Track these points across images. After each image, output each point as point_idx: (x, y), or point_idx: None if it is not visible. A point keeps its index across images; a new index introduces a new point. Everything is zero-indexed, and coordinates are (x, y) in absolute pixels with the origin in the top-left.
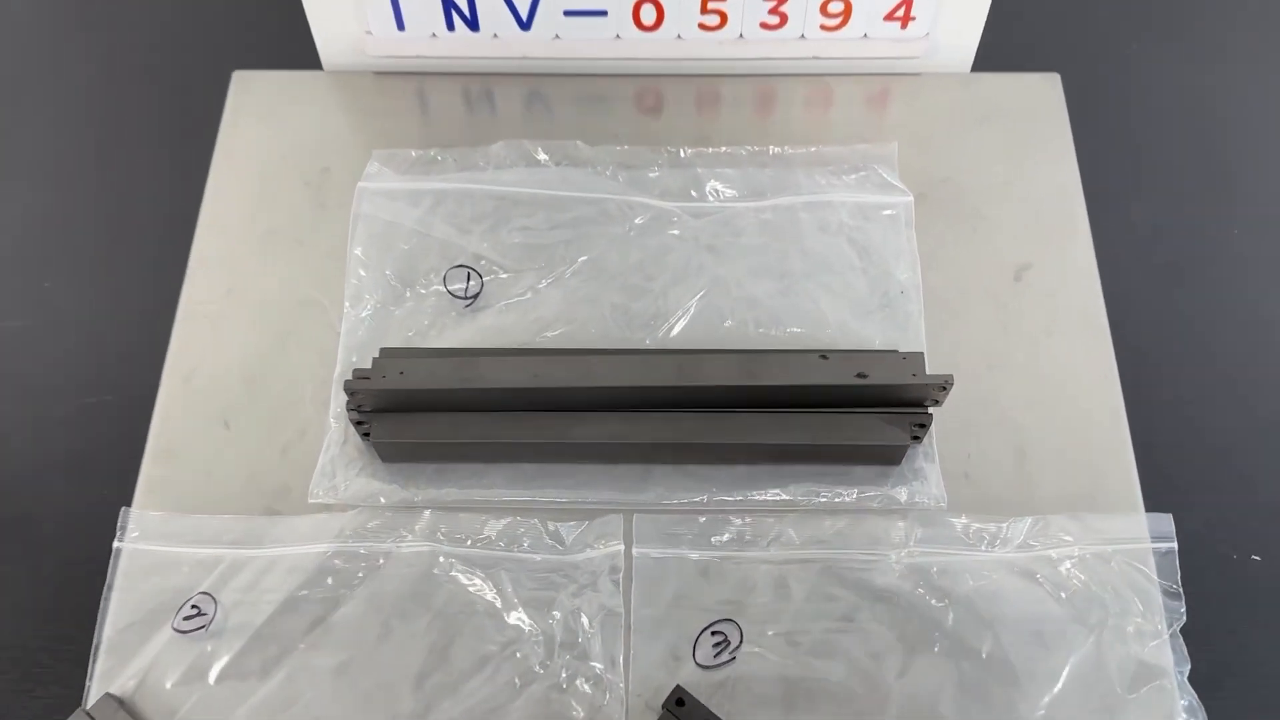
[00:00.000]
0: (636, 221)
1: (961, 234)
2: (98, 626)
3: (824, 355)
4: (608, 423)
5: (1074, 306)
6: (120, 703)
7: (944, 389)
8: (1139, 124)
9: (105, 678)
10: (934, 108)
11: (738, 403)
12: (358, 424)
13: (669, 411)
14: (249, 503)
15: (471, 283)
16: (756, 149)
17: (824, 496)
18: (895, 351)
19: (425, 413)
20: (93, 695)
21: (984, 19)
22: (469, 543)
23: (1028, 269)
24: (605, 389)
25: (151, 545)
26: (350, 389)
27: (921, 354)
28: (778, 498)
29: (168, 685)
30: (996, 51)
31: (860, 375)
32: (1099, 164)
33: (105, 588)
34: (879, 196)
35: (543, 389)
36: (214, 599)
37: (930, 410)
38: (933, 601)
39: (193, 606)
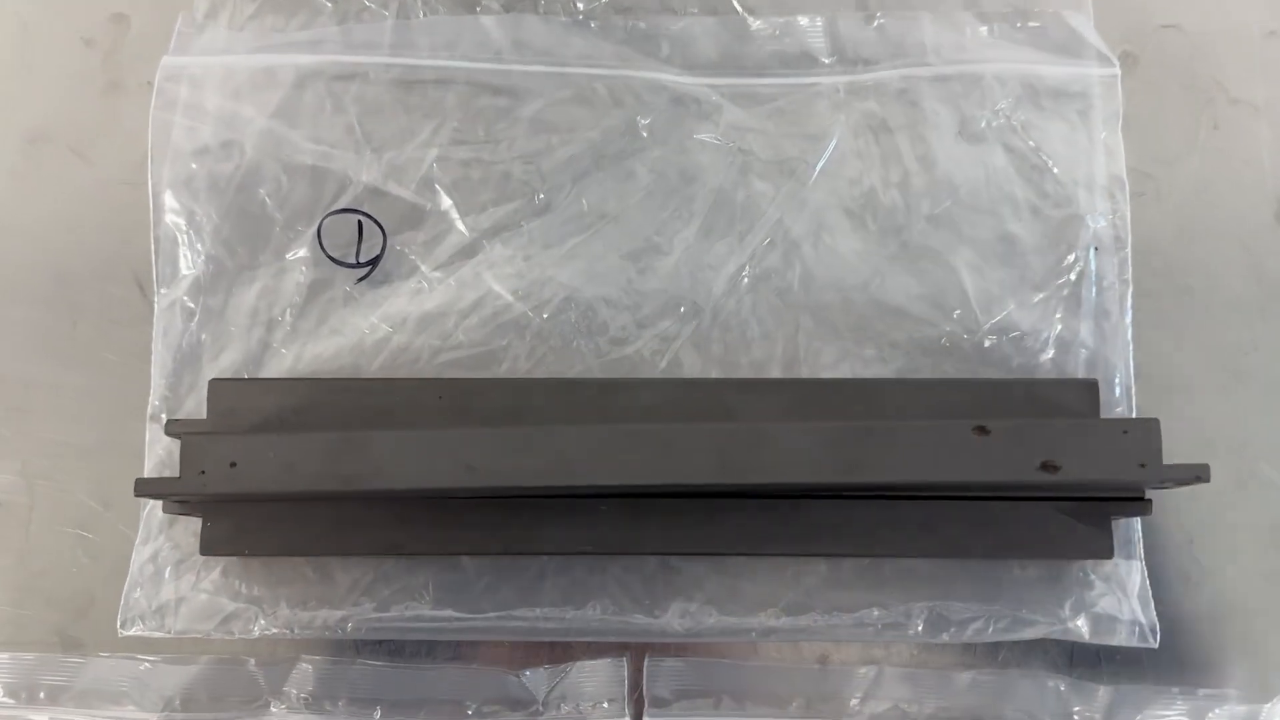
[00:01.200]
0: (641, 119)
1: (1195, 132)
2: None
3: (982, 429)
4: (599, 520)
5: None
6: None
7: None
8: None
9: None
10: None
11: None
12: (183, 513)
13: (701, 498)
14: (31, 623)
15: (366, 239)
16: None
17: (954, 627)
18: (1113, 420)
19: (289, 505)
20: None
21: None
22: (377, 712)
23: None
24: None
25: None
26: (155, 492)
27: (1156, 424)
28: (871, 620)
29: None
30: None
31: (1046, 466)
32: None
33: None
34: (1059, 67)
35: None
36: None
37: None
38: None
39: None
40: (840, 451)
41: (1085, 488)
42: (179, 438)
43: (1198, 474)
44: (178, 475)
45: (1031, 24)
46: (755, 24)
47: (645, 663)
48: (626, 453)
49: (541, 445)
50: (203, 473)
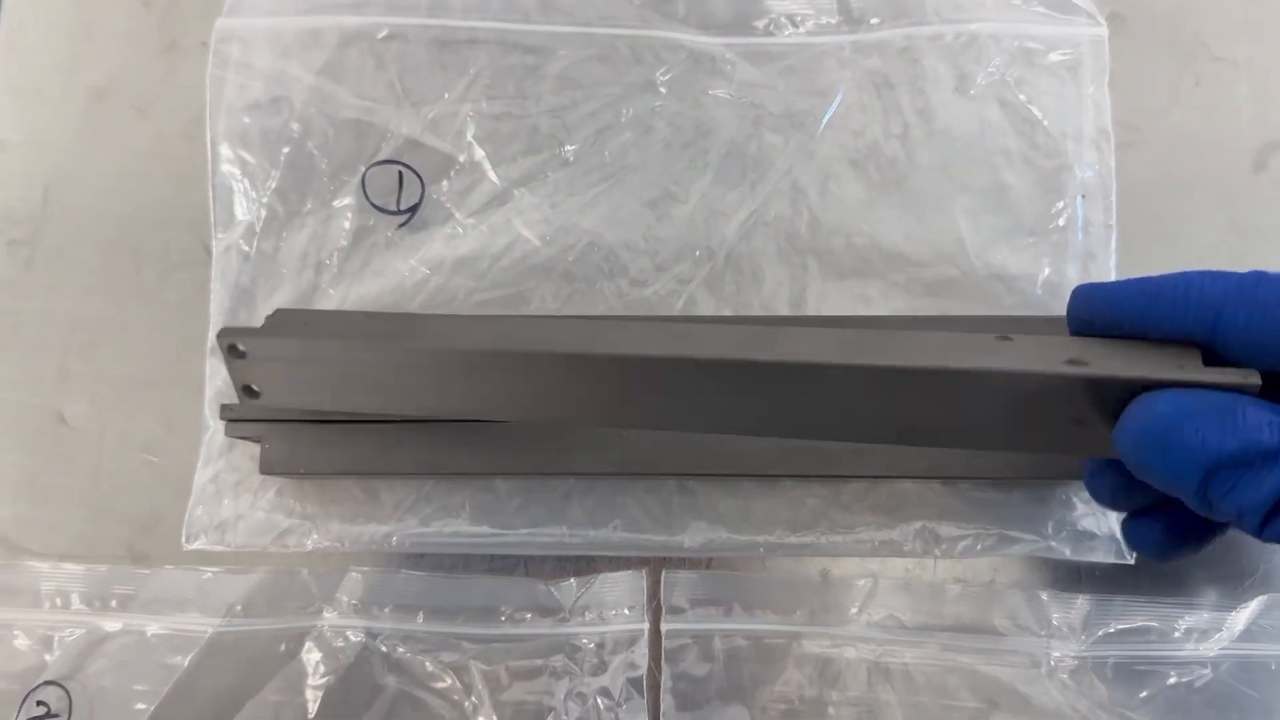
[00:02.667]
0: (660, 75)
1: (1178, 88)
2: None
3: (1005, 337)
4: (623, 443)
5: None
6: None
7: None
8: None
9: None
10: None
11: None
12: (243, 437)
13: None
14: (102, 539)
15: (406, 188)
16: None
17: (944, 543)
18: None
19: (342, 425)
20: None
21: None
22: (419, 615)
23: (1277, 150)
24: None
25: None
26: (231, 407)
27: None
28: (869, 538)
29: None
30: None
31: (1073, 361)
32: None
33: None
34: (1050, 26)
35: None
36: (67, 691)
37: None
38: None
39: (39, 704)
40: (858, 345)
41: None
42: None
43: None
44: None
45: None
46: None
47: (663, 575)
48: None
49: (573, 328)
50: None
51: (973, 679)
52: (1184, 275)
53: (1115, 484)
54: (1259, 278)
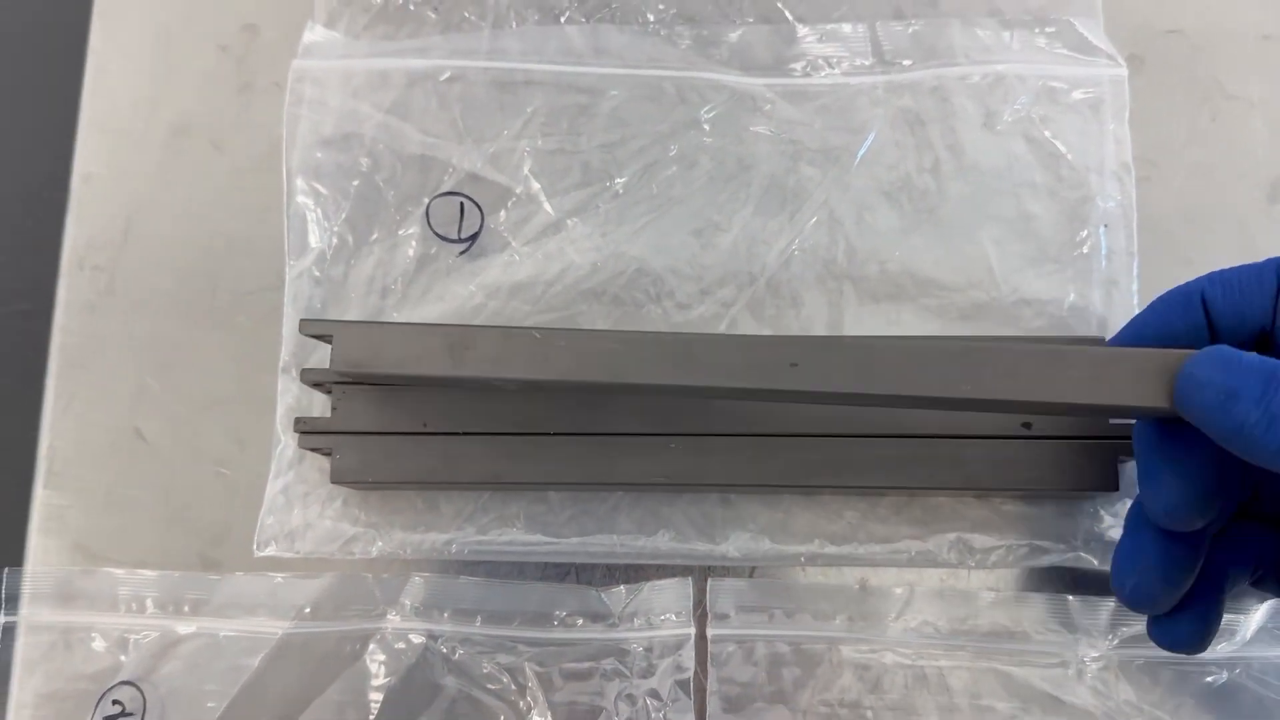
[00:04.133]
0: (704, 112)
1: (1195, 124)
2: None
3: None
4: (669, 455)
5: None
6: None
7: None
8: None
9: None
10: None
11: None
12: (313, 448)
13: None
14: (177, 549)
15: (466, 218)
16: None
17: (978, 554)
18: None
19: (408, 436)
20: None
21: None
22: (477, 619)
23: None
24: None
25: (52, 614)
26: (305, 421)
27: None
28: (905, 549)
29: None
30: None
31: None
32: None
33: None
34: (1073, 67)
35: (574, 385)
36: (141, 691)
37: None
38: None
39: (114, 703)
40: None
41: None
42: (320, 381)
43: None
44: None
45: (1048, 29)
46: (803, 31)
47: (708, 582)
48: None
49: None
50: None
51: (1006, 682)
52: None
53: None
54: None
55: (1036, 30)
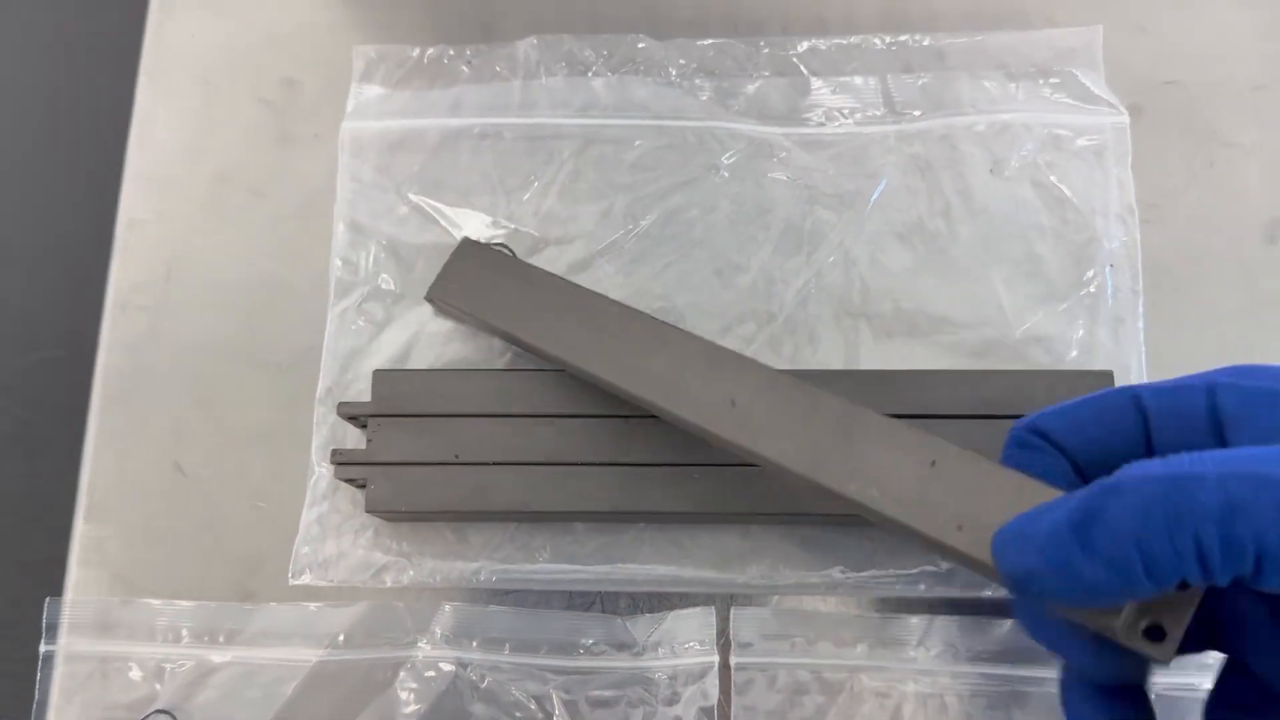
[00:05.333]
0: (725, 159)
1: (1193, 169)
2: None
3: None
4: (692, 486)
5: None
6: None
7: None
8: None
9: None
10: None
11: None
12: (348, 480)
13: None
14: (214, 580)
15: None
16: (897, 40)
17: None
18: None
19: (441, 466)
20: None
21: None
22: (505, 647)
23: None
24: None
25: (91, 644)
26: (341, 452)
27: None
28: (923, 578)
29: None
30: None
31: None
32: None
33: (34, 705)
34: (1076, 116)
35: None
36: (174, 719)
37: None
38: None
39: None
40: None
41: None
42: (355, 415)
43: None
44: (346, 448)
45: (1052, 80)
46: (817, 84)
47: (731, 611)
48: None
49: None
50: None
51: (1026, 706)
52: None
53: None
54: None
55: (1041, 81)
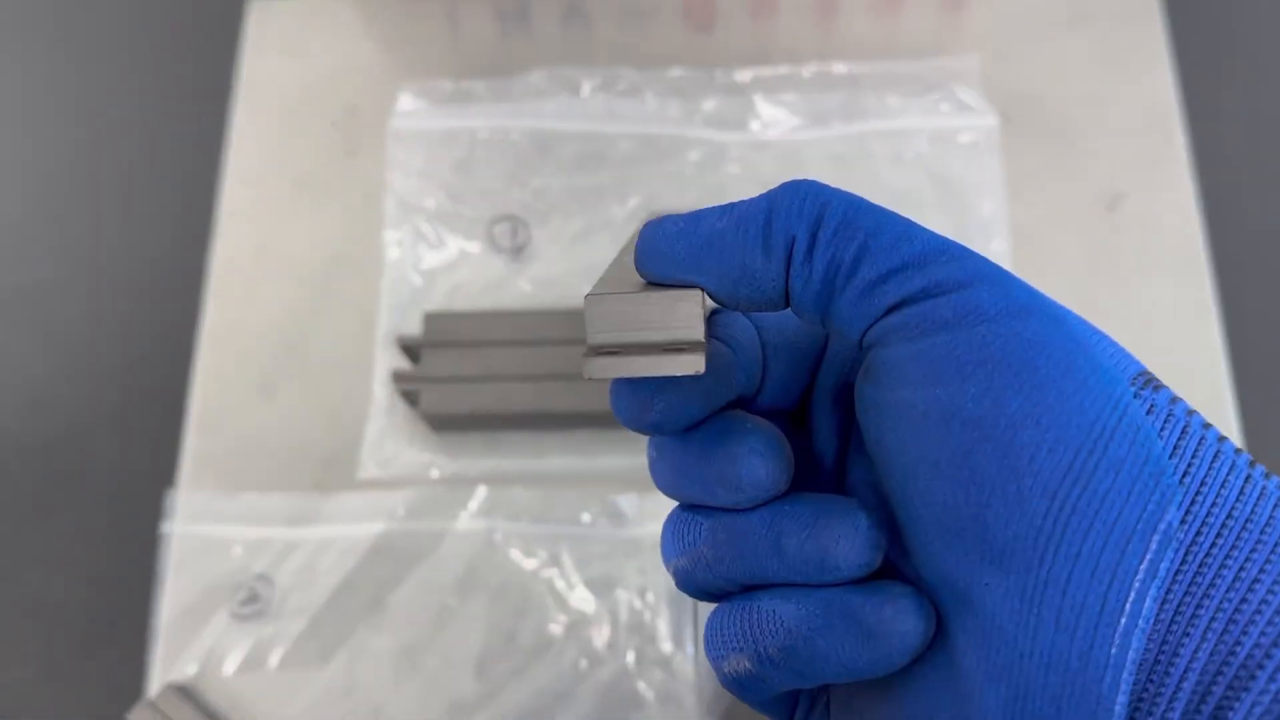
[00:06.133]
0: (691, 158)
1: (1049, 160)
2: (153, 612)
3: None
4: None
5: (1172, 241)
6: (184, 692)
7: None
8: (1246, 24)
9: (164, 664)
10: (1016, 12)
11: None
12: (404, 394)
13: None
14: (296, 477)
15: (518, 234)
16: (820, 69)
17: None
18: None
19: (475, 382)
20: (154, 682)
21: None
22: (525, 519)
23: (1122, 199)
24: None
25: (201, 527)
26: (399, 373)
27: None
28: None
29: (229, 671)
30: None
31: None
32: (1200, 73)
33: (157, 572)
34: (959, 120)
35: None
36: (271, 581)
37: None
38: None
39: (249, 590)
40: None
41: None
42: (409, 345)
43: None
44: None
45: (940, 95)
46: (760, 101)
47: None
48: None
49: None
50: (430, 347)
51: None
52: None
53: None
54: None
55: (930, 96)
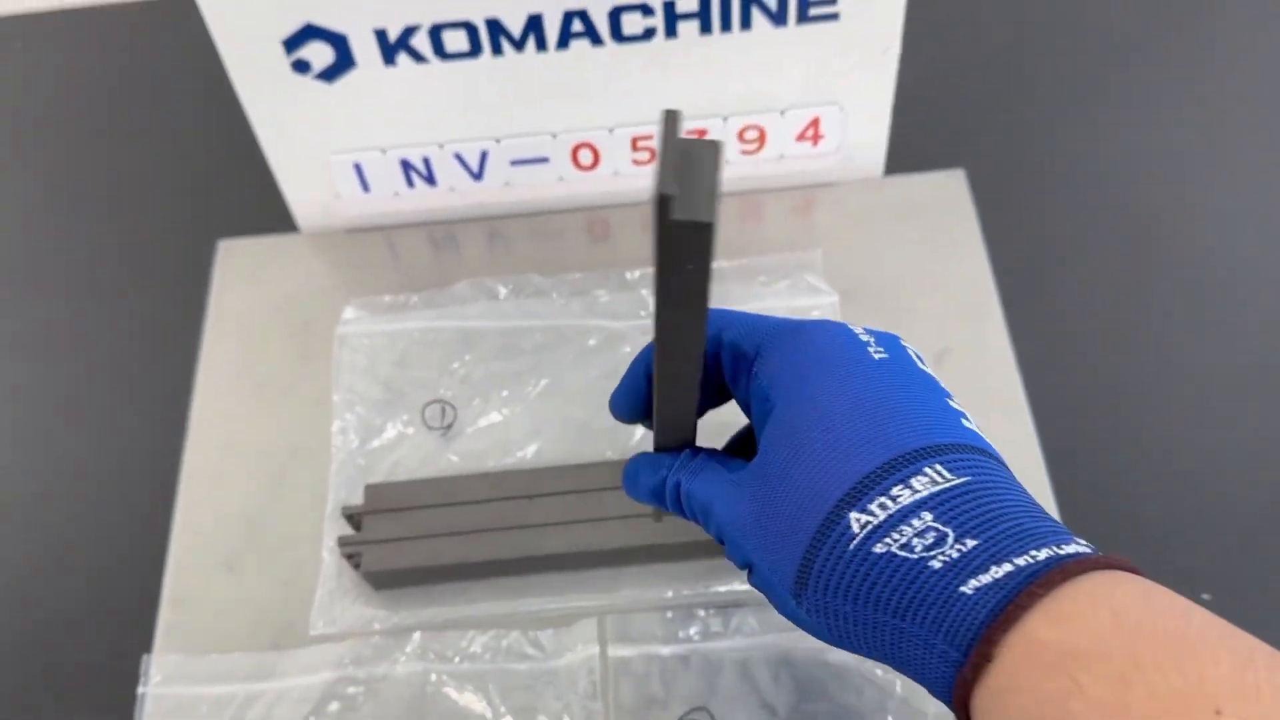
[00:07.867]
0: (590, 343)
1: (885, 325)
2: None
3: None
4: (577, 532)
5: (993, 385)
6: None
7: None
8: (1042, 207)
9: None
10: (853, 212)
11: None
12: (348, 556)
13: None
14: (256, 639)
15: (446, 415)
16: None
17: None
18: None
19: (410, 540)
20: None
21: (887, 129)
22: (456, 659)
23: (948, 353)
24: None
25: (173, 688)
26: (344, 538)
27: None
28: (735, 589)
29: None
30: (907, 152)
31: None
32: (1008, 248)
33: None
34: (808, 299)
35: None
36: None
37: None
38: (879, 673)
39: None
40: None
41: None
42: (352, 514)
43: None
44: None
45: (790, 280)
46: (647, 293)
47: (608, 621)
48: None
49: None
50: (369, 515)
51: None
52: None
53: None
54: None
55: (783, 282)
